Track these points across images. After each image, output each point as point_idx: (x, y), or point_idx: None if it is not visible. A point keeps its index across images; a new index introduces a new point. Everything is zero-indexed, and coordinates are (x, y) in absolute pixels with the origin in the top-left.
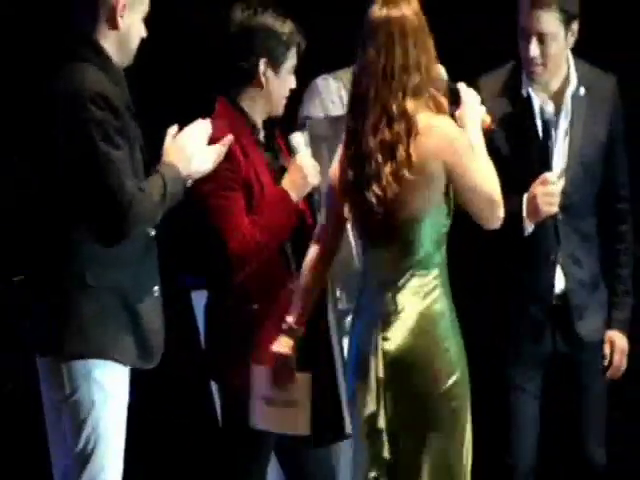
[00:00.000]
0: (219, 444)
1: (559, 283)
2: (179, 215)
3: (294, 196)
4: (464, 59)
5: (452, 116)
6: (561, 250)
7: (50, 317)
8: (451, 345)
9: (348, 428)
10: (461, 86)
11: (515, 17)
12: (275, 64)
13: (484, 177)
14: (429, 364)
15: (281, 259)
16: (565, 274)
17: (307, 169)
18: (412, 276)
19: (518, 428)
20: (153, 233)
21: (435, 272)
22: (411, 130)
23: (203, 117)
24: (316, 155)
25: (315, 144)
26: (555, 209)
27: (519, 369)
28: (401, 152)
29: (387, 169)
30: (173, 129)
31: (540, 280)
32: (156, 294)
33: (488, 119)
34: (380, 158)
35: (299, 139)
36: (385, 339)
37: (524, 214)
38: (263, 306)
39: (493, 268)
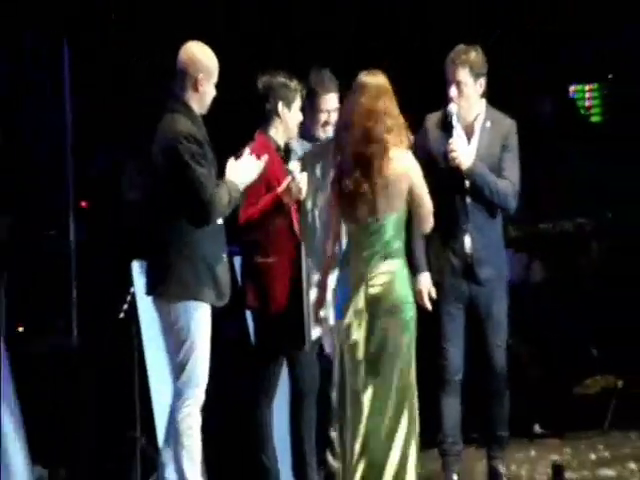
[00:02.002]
0: (253, 355)
1: (468, 245)
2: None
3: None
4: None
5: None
6: (470, 223)
7: (163, 275)
8: (409, 294)
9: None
10: None
11: None
12: (288, 105)
13: (427, 195)
14: (397, 306)
15: (288, 230)
16: (472, 239)
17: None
18: (386, 250)
19: (448, 339)
20: (221, 222)
21: (398, 247)
22: (385, 151)
23: (245, 145)
24: (308, 170)
25: (309, 162)
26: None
27: (448, 300)
28: (375, 166)
29: (364, 179)
30: (231, 159)
31: (457, 243)
32: (224, 259)
33: None
34: (359, 172)
35: (295, 147)
36: (370, 286)
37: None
38: (276, 259)
39: (432, 236)
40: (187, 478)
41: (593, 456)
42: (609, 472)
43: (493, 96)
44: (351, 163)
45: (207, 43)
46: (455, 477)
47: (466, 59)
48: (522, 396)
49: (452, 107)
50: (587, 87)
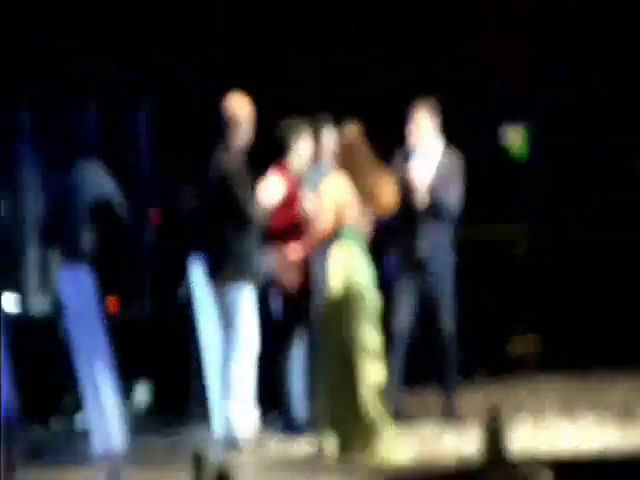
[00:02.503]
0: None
1: (424, 249)
2: None
3: None
4: None
5: None
6: (424, 232)
7: (220, 265)
8: (365, 275)
9: None
10: None
11: None
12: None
13: None
14: (359, 281)
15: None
16: (426, 243)
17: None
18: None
19: (401, 305)
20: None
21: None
22: (379, 184)
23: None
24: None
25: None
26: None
27: (406, 281)
28: (376, 195)
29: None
30: (261, 184)
31: (415, 246)
32: (260, 253)
33: None
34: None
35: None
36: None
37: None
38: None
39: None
40: (237, 424)
41: (524, 393)
42: (529, 404)
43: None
44: None
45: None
46: None
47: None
48: (468, 351)
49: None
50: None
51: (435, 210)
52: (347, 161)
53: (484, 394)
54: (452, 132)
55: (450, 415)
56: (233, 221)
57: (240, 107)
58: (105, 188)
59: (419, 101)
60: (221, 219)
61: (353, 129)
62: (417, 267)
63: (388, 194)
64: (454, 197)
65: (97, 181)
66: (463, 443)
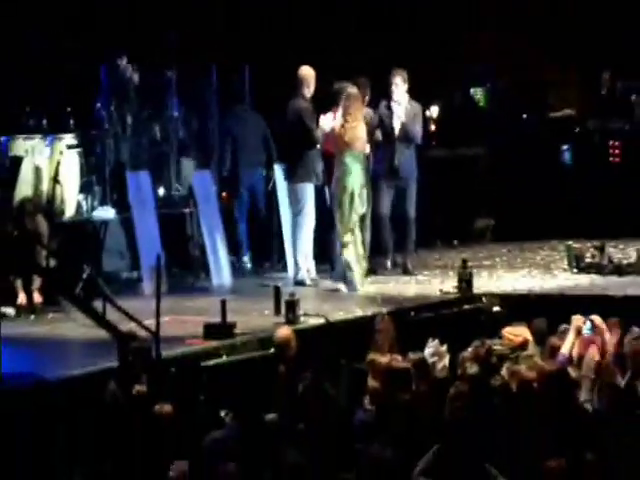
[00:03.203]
0: None
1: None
2: None
3: None
4: None
5: None
6: (398, 151)
7: (295, 169)
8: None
9: None
10: None
11: None
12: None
13: None
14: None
15: None
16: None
17: None
18: None
19: (384, 198)
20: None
21: None
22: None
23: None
24: None
25: None
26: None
27: (387, 182)
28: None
29: None
30: (321, 117)
31: (392, 160)
32: (320, 164)
33: None
34: None
35: None
36: None
37: None
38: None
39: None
40: (302, 270)
41: (483, 255)
42: (487, 262)
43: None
44: None
45: None
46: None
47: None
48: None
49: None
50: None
51: (406, 137)
52: (352, 107)
53: (457, 254)
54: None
55: (407, 273)
56: (304, 141)
57: (307, 71)
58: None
59: (397, 70)
60: (297, 140)
61: (357, 84)
62: (394, 173)
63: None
64: (418, 130)
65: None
66: (445, 284)
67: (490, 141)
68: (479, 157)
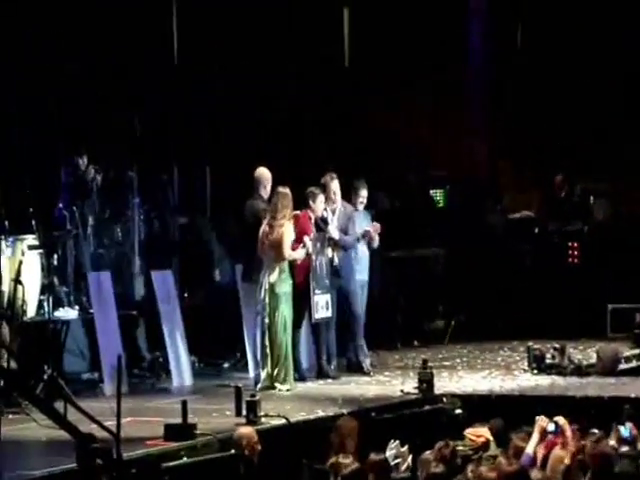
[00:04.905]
0: None
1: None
2: None
3: None
4: None
5: None
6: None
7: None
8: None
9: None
10: None
11: None
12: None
13: None
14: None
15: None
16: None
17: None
18: None
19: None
20: None
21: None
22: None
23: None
24: None
25: None
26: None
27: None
28: None
29: None
30: None
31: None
32: None
33: None
34: None
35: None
36: None
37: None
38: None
39: None
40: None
41: (442, 355)
42: (447, 363)
43: None
44: None
45: None
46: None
47: None
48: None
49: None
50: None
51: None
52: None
53: (417, 354)
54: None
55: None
56: None
57: (264, 172)
58: None
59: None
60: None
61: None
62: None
63: None
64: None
65: None
66: (406, 385)
67: (449, 241)
68: (438, 257)
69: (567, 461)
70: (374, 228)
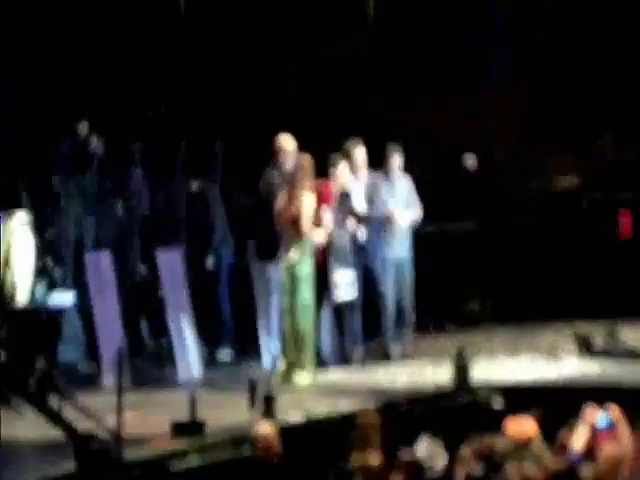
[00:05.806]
0: None
1: None
2: None
3: None
4: None
5: None
6: None
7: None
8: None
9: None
10: None
11: None
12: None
13: None
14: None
15: None
16: None
17: None
18: None
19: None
20: None
21: None
22: None
23: None
24: None
25: None
26: None
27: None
28: None
29: None
30: None
31: None
32: None
33: None
34: None
35: None
36: None
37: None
38: None
39: None
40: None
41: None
42: (488, 346)
43: None
44: None
45: None
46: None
47: None
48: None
49: None
50: None
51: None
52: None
53: (452, 340)
54: None
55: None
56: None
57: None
58: None
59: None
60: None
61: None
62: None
63: None
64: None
65: None
66: (439, 375)
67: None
68: (471, 231)
69: (620, 457)
70: (400, 215)
